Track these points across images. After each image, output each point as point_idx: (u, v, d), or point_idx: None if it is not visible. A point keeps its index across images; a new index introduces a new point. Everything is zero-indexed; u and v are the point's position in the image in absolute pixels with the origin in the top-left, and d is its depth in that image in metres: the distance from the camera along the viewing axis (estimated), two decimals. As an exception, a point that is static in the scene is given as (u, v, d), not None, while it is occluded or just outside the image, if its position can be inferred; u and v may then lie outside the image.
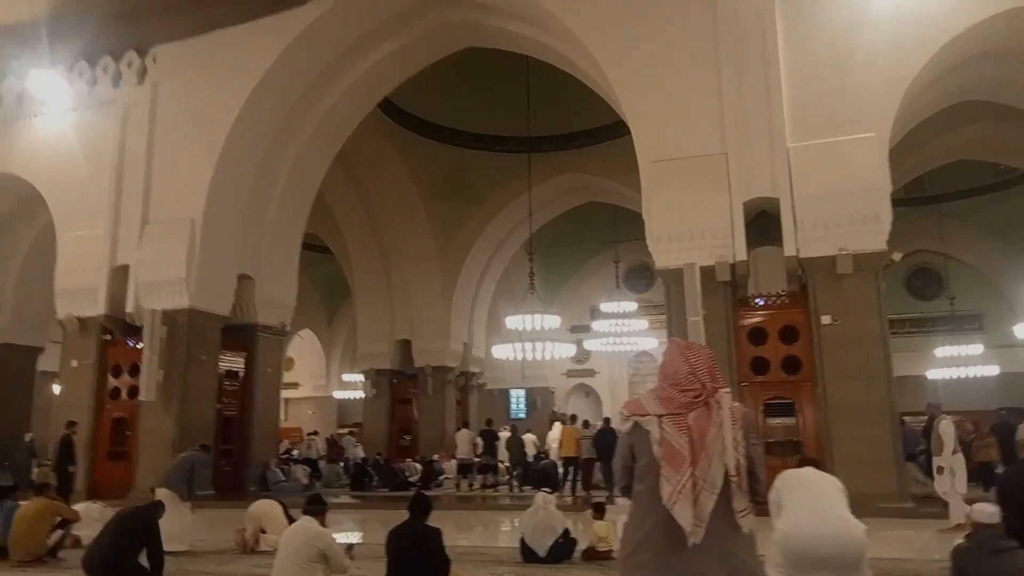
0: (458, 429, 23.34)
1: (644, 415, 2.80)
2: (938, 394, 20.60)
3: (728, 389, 2.81)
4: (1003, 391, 22.67)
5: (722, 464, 2.65)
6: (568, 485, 15.62)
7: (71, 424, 14.66)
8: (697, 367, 2.81)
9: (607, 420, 19.08)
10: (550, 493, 8.63)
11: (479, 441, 18.28)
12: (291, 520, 8.08)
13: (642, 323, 25.26)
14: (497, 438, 18.22)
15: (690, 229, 12.10)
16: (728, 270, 11.93)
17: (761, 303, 12.41)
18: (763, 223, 12.33)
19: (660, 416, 2.76)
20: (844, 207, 11.41)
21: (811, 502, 5.06)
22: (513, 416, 29.93)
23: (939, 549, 7.93)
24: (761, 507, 3.09)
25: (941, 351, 23.72)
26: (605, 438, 15.77)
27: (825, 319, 11.58)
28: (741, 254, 11.91)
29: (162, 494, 8.80)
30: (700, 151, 12.12)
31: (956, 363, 23.51)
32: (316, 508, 5.92)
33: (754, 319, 12.31)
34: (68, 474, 14.19)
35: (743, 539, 2.69)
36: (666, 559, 2.64)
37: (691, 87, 12.31)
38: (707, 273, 11.89)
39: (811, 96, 11.87)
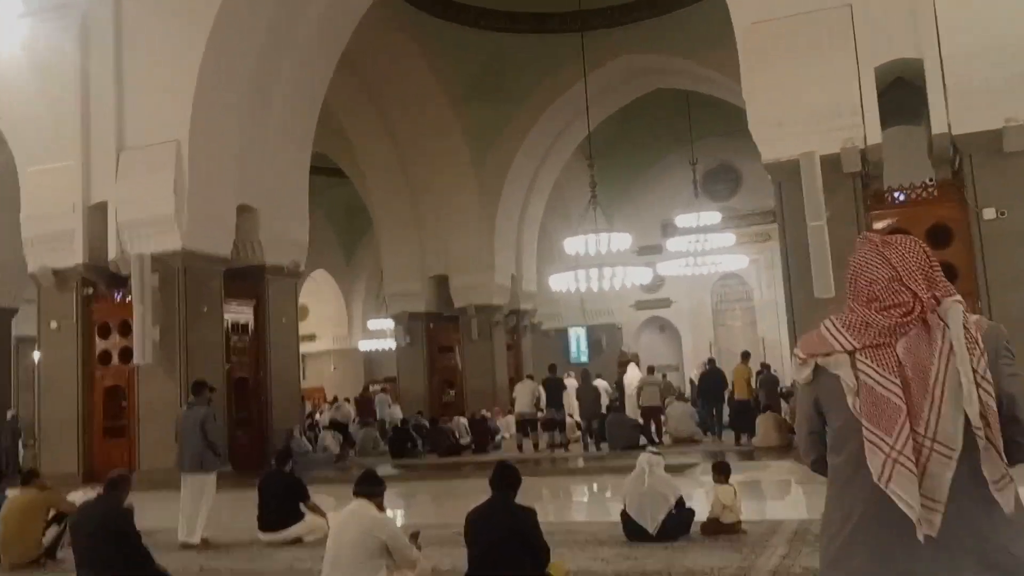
0: (511, 379, 23.62)
1: (829, 353, 2.37)
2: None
3: (958, 297, 2.32)
4: None
5: (960, 411, 2.21)
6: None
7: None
8: (905, 269, 2.36)
9: (711, 361, 19.02)
10: (657, 453, 8.28)
11: (541, 392, 18.23)
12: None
13: (727, 237, 24.62)
14: (564, 387, 18.11)
15: (806, 108, 11.78)
16: (857, 158, 11.67)
17: (901, 198, 12.12)
18: (901, 94, 11.91)
19: (853, 352, 2.33)
20: (1011, 65, 10.82)
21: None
22: (574, 360, 29.96)
23: None
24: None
25: None
26: (711, 381, 15.58)
27: (988, 212, 11.20)
28: (874, 136, 11.61)
29: (188, 482, 9.02)
30: (816, 4, 11.79)
31: None
32: (372, 489, 5.77)
33: (893, 219, 11.98)
34: None
35: (1006, 523, 2.23)
36: (888, 563, 2.25)
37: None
38: (830, 164, 11.61)
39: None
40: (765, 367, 18.85)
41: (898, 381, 2.24)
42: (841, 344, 2.32)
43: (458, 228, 23.63)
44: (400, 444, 18.82)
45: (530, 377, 19.58)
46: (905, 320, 2.28)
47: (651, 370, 19.61)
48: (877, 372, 2.27)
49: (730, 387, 17.80)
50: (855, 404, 2.28)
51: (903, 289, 2.31)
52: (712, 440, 17.43)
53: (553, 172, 25.53)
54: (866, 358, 2.28)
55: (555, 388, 17.81)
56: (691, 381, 22.95)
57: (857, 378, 2.29)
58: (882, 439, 2.23)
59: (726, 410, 17.93)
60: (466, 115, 23.03)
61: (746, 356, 17.86)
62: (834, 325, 2.36)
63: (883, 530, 2.25)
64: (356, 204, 27.15)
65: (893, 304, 2.30)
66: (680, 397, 19.02)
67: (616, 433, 16.49)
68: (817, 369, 2.38)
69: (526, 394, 18.07)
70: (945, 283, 2.33)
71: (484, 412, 20.63)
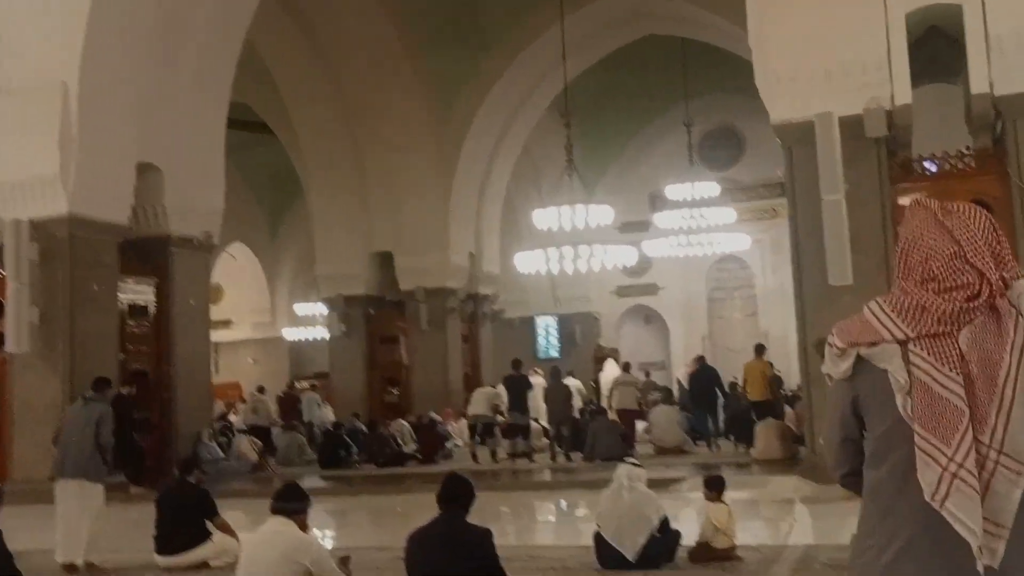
0: (466, 376, 23.64)
1: (876, 343, 2.33)
2: None
3: None
4: None
5: None
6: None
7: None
8: (969, 243, 2.32)
9: (701, 359, 19.17)
10: (637, 465, 8.32)
11: (502, 392, 18.29)
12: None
13: (726, 213, 24.74)
14: (529, 387, 18.17)
15: (824, 60, 11.91)
16: (883, 121, 11.75)
17: (933, 169, 12.30)
18: (934, 47, 12.09)
19: (905, 342, 2.30)
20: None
21: None
22: (542, 355, 30.19)
23: None
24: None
25: None
26: (701, 383, 15.81)
27: (1034, 187, 11.45)
28: (903, 95, 11.68)
29: (71, 489, 8.90)
30: (838, -64, 11.90)
31: None
32: (294, 505, 5.83)
33: (923, 193, 11.77)
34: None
35: None
36: None
37: None
38: (851, 127, 11.70)
39: None
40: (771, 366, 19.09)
41: (960, 379, 2.22)
42: (891, 332, 2.28)
43: (408, 196, 23.63)
44: (331, 452, 18.84)
45: (492, 386, 19.73)
46: (970, 305, 2.25)
47: (627, 367, 19.87)
48: (935, 367, 2.24)
49: (739, 385, 17.99)
50: (905, 405, 2.26)
51: (967, 268, 2.27)
52: (714, 451, 17.70)
53: (523, 132, 25.52)
54: (921, 350, 2.26)
55: (519, 387, 17.84)
56: (678, 382, 23.16)
57: (910, 374, 2.26)
58: (938, 449, 2.20)
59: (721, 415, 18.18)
60: (424, 65, 23.01)
61: (761, 350, 18.07)
62: (882, 309, 2.32)
63: (934, 560, 2.22)
64: (284, 165, 27.00)
65: (955, 285, 2.27)
66: (666, 399, 19.16)
67: (601, 441, 16.58)
68: (859, 362, 2.35)
69: (483, 399, 18.26)
70: (1014, 262, 2.31)
71: (433, 415, 20.69)
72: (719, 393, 18.49)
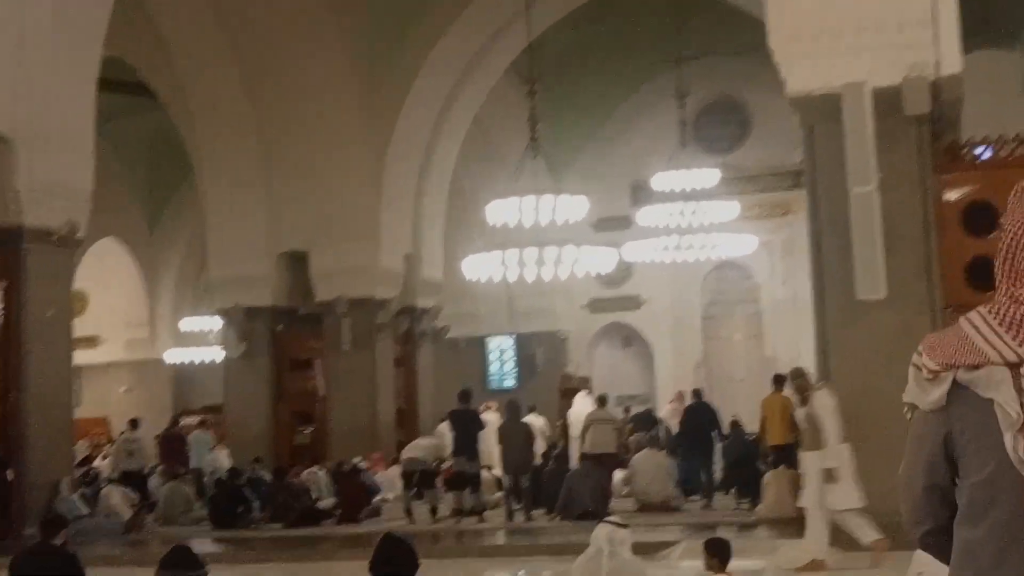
0: (399, 411, 23.61)
1: (979, 365, 2.33)
2: None
3: None
4: None
5: None
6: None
7: None
8: None
9: (698, 392, 19.28)
10: (622, 525, 8.36)
11: (445, 434, 18.34)
12: None
13: (727, 208, 24.89)
14: (480, 425, 18.13)
15: (854, 17, 12.11)
16: (926, 93, 11.89)
17: (986, 155, 12.44)
18: (988, 4, 12.01)
19: (1018, 364, 2.30)
20: None
21: None
22: (495, 386, 30.21)
23: None
24: None
25: None
26: (697, 422, 15.85)
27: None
28: (951, 62, 11.94)
29: None
30: None
31: None
32: (183, 574, 5.80)
33: (972, 185, 12.32)
34: None
35: None
36: None
37: None
38: (886, 101, 11.86)
39: None
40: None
41: None
42: (999, 351, 2.29)
43: (327, 181, 23.65)
44: (227, 507, 18.69)
45: (433, 432, 19.89)
46: None
47: (602, 402, 19.87)
48: None
49: (741, 424, 18.04)
50: (1016, 446, 2.27)
51: None
52: (711, 507, 17.78)
53: (474, 102, 25.58)
54: None
55: (467, 426, 17.83)
56: (661, 422, 23.24)
57: (1023, 405, 2.28)
58: None
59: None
60: (348, 16, 23.03)
61: (781, 380, 18.03)
62: (985, 321, 2.33)
63: None
64: (168, 139, 26.96)
65: None
66: (652, 442, 19.22)
67: (579, 495, 16.56)
68: (955, 389, 2.35)
69: (423, 445, 18.29)
70: None
71: (358, 461, 20.65)
72: (718, 436, 18.54)
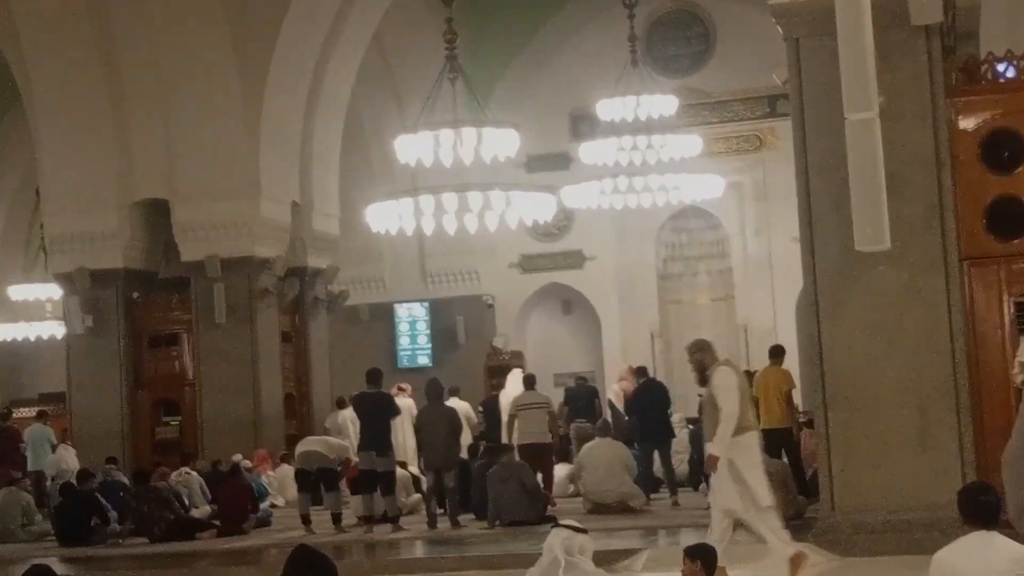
0: (288, 397, 23.68)
1: None
2: None
3: None
4: None
5: None
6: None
7: None
8: None
9: (642, 370, 19.41)
10: (580, 530, 8.46)
11: (348, 419, 18.49)
12: None
13: (688, 142, 24.96)
14: (394, 412, 18.13)
15: None
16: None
17: (1009, 74, 12.52)
18: None
19: None
20: None
21: None
22: (406, 363, 30.27)
23: None
24: None
25: None
26: (648, 402, 15.98)
27: None
28: None
29: None
30: None
31: None
32: None
33: (992, 111, 12.47)
34: None
35: None
36: None
37: None
38: (889, 9, 11.88)
39: None
40: (751, 376, 19.42)
41: None
42: None
43: (192, 114, 23.62)
44: (76, 519, 18.63)
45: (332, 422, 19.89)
46: None
47: (530, 382, 20.04)
48: None
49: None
50: None
51: None
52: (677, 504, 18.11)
53: (374, 13, 25.44)
54: None
55: (376, 414, 17.81)
56: (610, 404, 23.38)
57: None
58: None
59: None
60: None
61: (780, 352, 18.38)
62: None
63: None
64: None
65: None
66: (604, 430, 19.33)
67: (506, 496, 16.70)
68: None
69: (321, 439, 18.45)
70: None
71: (238, 460, 20.63)
72: (684, 421, 18.74)
